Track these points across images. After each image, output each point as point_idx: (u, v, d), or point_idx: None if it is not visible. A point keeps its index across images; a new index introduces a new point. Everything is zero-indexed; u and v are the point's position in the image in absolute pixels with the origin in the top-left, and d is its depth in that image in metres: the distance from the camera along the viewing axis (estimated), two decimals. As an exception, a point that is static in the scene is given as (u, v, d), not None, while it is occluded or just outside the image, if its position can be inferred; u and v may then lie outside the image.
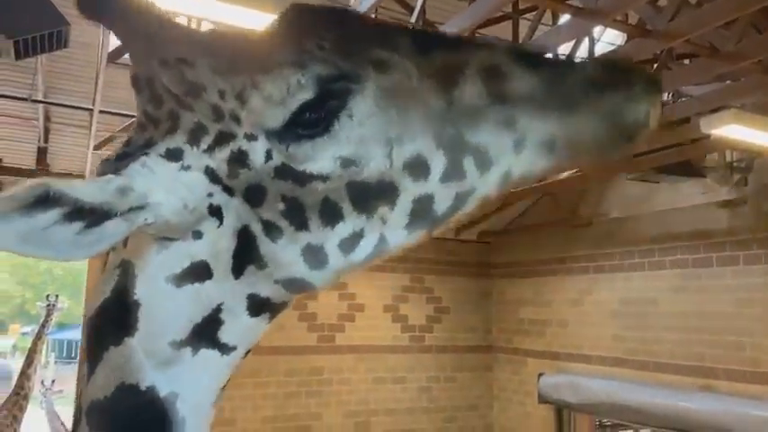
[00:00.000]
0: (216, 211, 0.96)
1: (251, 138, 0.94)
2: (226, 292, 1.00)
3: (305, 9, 0.99)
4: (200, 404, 1.03)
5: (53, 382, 11.36)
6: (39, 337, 10.26)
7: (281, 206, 0.94)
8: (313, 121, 0.92)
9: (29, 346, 10.22)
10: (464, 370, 13.01)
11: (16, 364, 23.18)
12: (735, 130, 6.01)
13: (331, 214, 0.94)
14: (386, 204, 0.95)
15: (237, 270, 0.99)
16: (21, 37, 5.14)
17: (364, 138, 0.93)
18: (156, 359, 0.99)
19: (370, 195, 0.94)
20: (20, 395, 9.15)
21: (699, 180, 9.00)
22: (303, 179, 0.93)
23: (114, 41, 6.65)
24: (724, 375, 8.64)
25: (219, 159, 0.95)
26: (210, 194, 0.95)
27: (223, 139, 0.95)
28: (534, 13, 6.74)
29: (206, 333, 1.01)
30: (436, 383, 12.77)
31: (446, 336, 12.91)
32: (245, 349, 1.07)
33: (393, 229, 0.97)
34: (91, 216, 0.82)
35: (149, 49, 0.99)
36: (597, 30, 7.18)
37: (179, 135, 0.96)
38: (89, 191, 0.83)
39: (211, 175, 0.95)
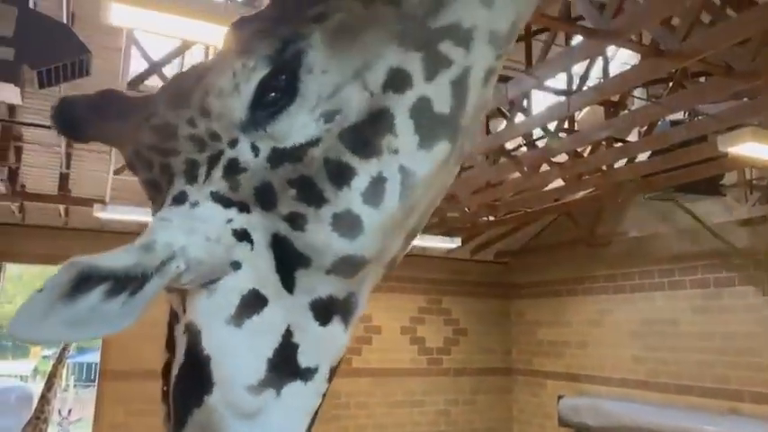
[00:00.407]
0: (243, 235, 0.92)
1: (232, 143, 0.91)
2: (287, 311, 0.93)
3: (242, 18, 1.00)
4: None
5: (70, 411, 11.40)
6: (59, 360, 10.33)
7: (293, 192, 0.89)
8: (278, 95, 0.89)
9: (49, 369, 10.30)
10: (483, 392, 12.86)
11: (37, 387, 23.34)
12: (753, 148, 5.94)
13: (339, 173, 0.87)
14: (387, 134, 0.88)
15: (288, 283, 0.92)
16: (44, 67, 5.27)
17: (334, 83, 0.88)
18: (239, 410, 0.92)
19: (368, 134, 0.88)
20: (39, 419, 9.22)
21: (718, 198, 8.90)
22: (297, 154, 0.89)
23: (134, 69, 6.80)
24: (749, 398, 8.44)
25: (217, 180, 0.92)
26: (230, 220, 0.92)
27: (214, 161, 0.93)
28: (547, 34, 6.77)
29: (283, 364, 0.93)
30: (455, 406, 12.63)
31: (464, 358, 12.80)
32: (329, 366, 0.99)
33: (409, 155, 0.88)
34: (131, 284, 0.82)
35: (125, 128, 1.01)
36: (611, 49, 7.19)
37: (178, 180, 0.95)
38: (118, 258, 0.82)
39: (219, 199, 0.92)
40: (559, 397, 11.38)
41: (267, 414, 0.93)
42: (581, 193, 9.48)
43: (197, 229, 0.90)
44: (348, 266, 0.92)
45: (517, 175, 8.39)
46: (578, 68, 7.47)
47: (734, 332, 8.80)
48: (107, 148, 8.70)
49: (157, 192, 0.98)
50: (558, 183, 8.85)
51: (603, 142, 7.86)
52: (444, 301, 12.83)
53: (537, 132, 8.04)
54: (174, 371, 0.96)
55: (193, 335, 0.95)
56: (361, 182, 0.87)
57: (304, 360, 0.95)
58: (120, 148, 1.05)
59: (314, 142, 0.88)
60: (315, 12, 0.91)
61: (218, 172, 0.92)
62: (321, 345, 0.96)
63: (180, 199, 0.94)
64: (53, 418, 9.93)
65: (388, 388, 12.05)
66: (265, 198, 0.90)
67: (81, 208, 9.40)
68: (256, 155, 0.90)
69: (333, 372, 1.01)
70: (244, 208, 0.91)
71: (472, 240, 12.27)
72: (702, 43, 4.91)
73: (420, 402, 12.30)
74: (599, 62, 7.56)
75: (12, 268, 11.05)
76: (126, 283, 0.81)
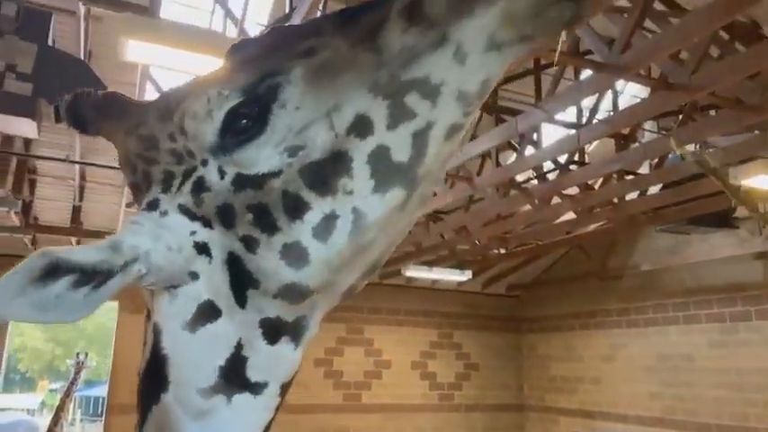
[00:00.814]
0: (203, 248, 0.97)
1: (204, 163, 0.96)
2: (239, 325, 0.98)
3: (242, 41, 1.03)
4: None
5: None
6: (67, 394, 10.26)
7: (250, 216, 0.93)
8: (248, 123, 0.92)
9: (57, 403, 10.23)
10: (495, 429, 12.60)
11: (44, 420, 23.15)
12: (765, 181, 5.91)
13: (295, 207, 0.92)
14: (344, 175, 0.91)
15: (240, 300, 0.97)
16: (61, 101, 5.35)
17: (304, 119, 0.92)
18: (191, 411, 0.98)
19: (327, 173, 0.91)
20: (46, 453, 9.13)
21: (731, 231, 8.81)
22: (258, 182, 0.93)
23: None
24: (769, 436, 8.21)
25: (186, 193, 0.97)
26: (193, 232, 0.96)
27: (187, 175, 0.98)
28: (556, 68, 6.83)
29: (233, 375, 0.99)
30: (466, 443, 12.38)
31: (476, 393, 12.59)
32: (279, 384, 1.02)
33: (363, 198, 0.92)
34: (96, 278, 0.87)
35: (119, 130, 1.06)
36: (620, 83, 7.24)
37: (154, 188, 1.00)
38: (86, 254, 0.86)
39: (186, 212, 0.97)
40: (573, 434, 11.14)
41: (218, 419, 0.98)
42: (592, 226, 9.43)
43: (162, 236, 0.96)
44: (293, 293, 0.96)
45: (528, 207, 8.37)
46: (588, 102, 7.52)
47: (751, 367, 8.61)
48: (119, 182, 8.79)
49: (139, 195, 1.04)
50: (570, 215, 8.82)
51: (614, 175, 7.84)
52: (456, 335, 12.69)
53: (547, 165, 8.05)
54: (141, 367, 1.03)
55: (156, 334, 1.01)
56: (313, 217, 0.91)
57: (253, 374, 0.99)
58: (116, 147, 1.10)
59: (275, 173, 0.92)
60: (305, 46, 0.94)
61: (187, 186, 0.97)
62: (270, 362, 1.00)
63: (153, 205, 0.99)
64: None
65: (398, 424, 11.85)
66: (225, 218, 0.95)
67: (93, 240, 9.45)
68: (222, 177, 0.94)
69: (285, 388, 1.03)
70: (207, 223, 0.96)
71: (483, 273, 12.19)
72: (711, 77, 4.93)
73: (431, 439, 12.07)
74: (608, 95, 7.60)
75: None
76: (92, 277, 0.87)
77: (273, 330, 0.99)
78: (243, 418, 0.99)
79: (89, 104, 1.11)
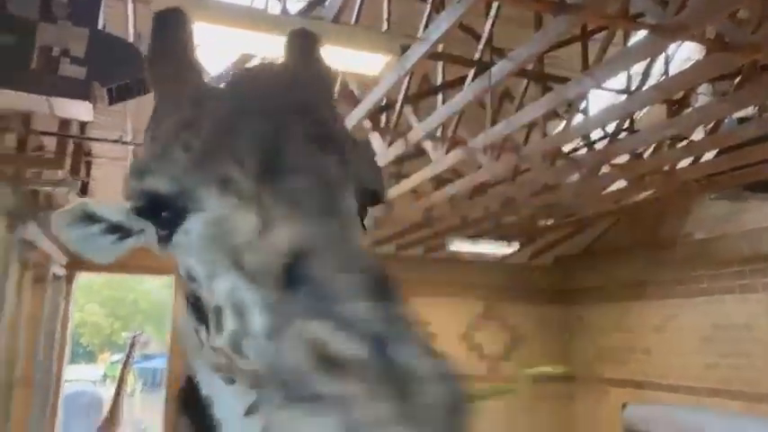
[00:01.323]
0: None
1: None
2: None
3: (241, 77, 1.01)
4: (229, 416, 1.05)
5: (140, 416, 11.82)
6: (125, 366, 10.71)
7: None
8: (162, 221, 0.94)
9: (118, 374, 10.71)
10: (543, 400, 12.60)
11: (106, 391, 24.24)
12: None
13: (197, 311, 0.93)
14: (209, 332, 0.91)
15: None
16: (113, 84, 5.51)
17: (198, 260, 0.89)
18: (192, 358, 1.08)
19: (205, 316, 0.90)
20: (110, 421, 9.63)
21: (791, 197, 8.45)
22: (181, 268, 0.96)
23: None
24: (832, 407, 7.96)
25: None
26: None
27: None
28: (604, 33, 6.62)
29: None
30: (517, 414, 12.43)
31: (524, 364, 12.58)
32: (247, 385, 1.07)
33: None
34: (119, 231, 1.04)
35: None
36: (671, 47, 6.97)
37: None
38: (111, 212, 1.04)
39: None
40: (623, 405, 11.03)
41: (203, 370, 1.06)
42: (643, 195, 9.19)
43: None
44: None
45: (576, 177, 8.21)
46: (638, 67, 7.27)
47: (813, 338, 8.33)
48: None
49: None
50: (619, 184, 8.62)
51: (666, 142, 7.61)
52: (502, 307, 12.67)
53: (595, 134, 7.86)
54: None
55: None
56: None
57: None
58: None
59: (182, 278, 0.95)
60: (226, 173, 0.89)
61: None
62: (213, 383, 1.05)
63: None
64: (124, 419, 10.31)
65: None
66: None
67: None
68: None
69: None
70: None
71: (530, 245, 12.08)
72: (773, 35, 4.70)
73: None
74: (660, 60, 7.33)
75: (81, 277, 11.53)
76: (115, 229, 1.04)
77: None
78: (226, 391, 1.02)
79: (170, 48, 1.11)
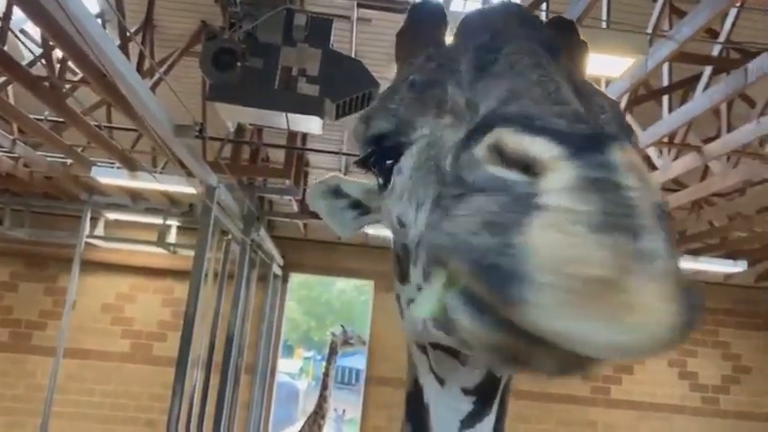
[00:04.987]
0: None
1: None
2: None
3: (470, 15, 0.90)
4: (445, 430, 1.01)
5: (344, 411, 12.50)
6: (329, 362, 11.42)
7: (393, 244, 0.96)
8: (383, 170, 0.89)
9: (323, 370, 11.46)
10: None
11: (302, 384, 26.10)
12: None
13: (400, 269, 0.88)
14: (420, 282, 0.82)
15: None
16: (342, 99, 5.91)
17: (409, 196, 0.82)
18: (414, 357, 1.04)
19: (408, 268, 0.84)
20: (318, 414, 10.29)
21: None
22: (392, 225, 0.91)
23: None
24: None
25: None
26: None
27: None
28: None
29: (425, 349, 1.00)
30: (735, 455, 11.05)
31: (747, 400, 11.14)
32: (459, 388, 0.99)
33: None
34: (360, 208, 1.11)
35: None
36: None
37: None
38: (354, 188, 1.11)
39: None
40: None
41: (425, 379, 1.01)
42: None
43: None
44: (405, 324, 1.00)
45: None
46: None
47: None
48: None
49: None
50: None
51: None
52: (722, 332, 11.34)
53: None
54: None
55: None
56: (409, 292, 0.87)
57: (434, 365, 1.00)
58: None
59: (394, 230, 0.90)
60: (446, 95, 0.81)
61: None
62: (439, 363, 0.99)
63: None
64: (329, 414, 11.00)
65: (652, 423, 11.02)
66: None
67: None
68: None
69: (476, 394, 1.00)
70: None
71: (760, 264, 10.67)
72: None
73: (691, 445, 11.01)
74: None
75: (294, 278, 12.57)
76: (356, 205, 1.11)
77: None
78: (439, 397, 1.00)
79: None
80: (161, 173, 7.88)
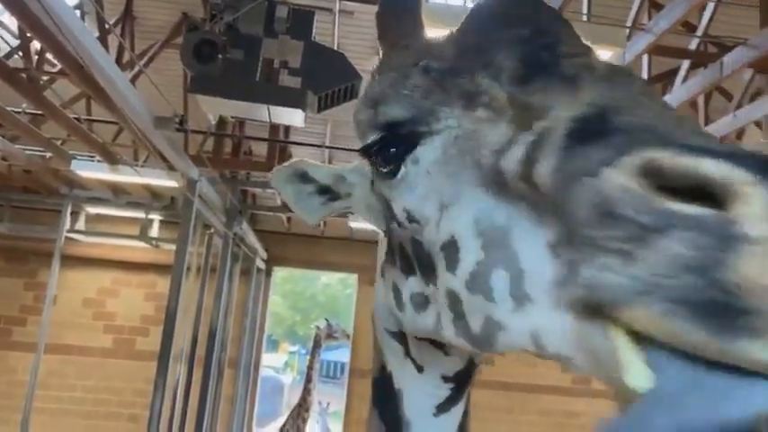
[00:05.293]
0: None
1: None
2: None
3: (481, 5, 0.87)
4: (420, 415, 1.03)
5: (329, 403, 12.57)
6: (313, 356, 11.44)
7: (387, 233, 0.94)
8: (389, 158, 0.82)
9: (307, 363, 11.47)
10: None
11: (287, 378, 26.08)
12: None
13: (404, 263, 0.87)
14: (431, 282, 0.79)
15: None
16: (324, 92, 5.90)
17: (427, 192, 0.78)
18: (386, 344, 1.06)
19: (424, 263, 0.80)
20: (302, 407, 10.32)
21: None
22: (390, 215, 0.87)
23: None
24: None
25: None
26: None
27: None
28: None
29: (404, 338, 1.02)
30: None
31: None
32: (439, 375, 1.02)
33: (445, 317, 0.78)
34: (330, 194, 1.07)
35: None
36: None
37: None
38: (322, 174, 1.07)
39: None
40: None
41: (400, 364, 1.04)
42: None
43: (365, 189, 1.02)
44: (394, 317, 0.98)
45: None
46: None
47: None
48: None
49: None
50: None
51: None
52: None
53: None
54: None
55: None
56: (415, 285, 0.87)
57: (412, 351, 1.03)
58: None
59: (398, 222, 0.85)
60: (476, 85, 0.76)
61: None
62: (420, 349, 1.01)
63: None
64: (314, 407, 11.02)
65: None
66: (387, 213, 0.94)
67: (337, 218, 10.35)
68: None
69: (454, 381, 1.03)
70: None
71: None
72: None
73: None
74: None
75: (278, 272, 12.55)
76: (324, 191, 1.08)
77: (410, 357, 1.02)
78: (414, 382, 1.03)
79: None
80: (142, 166, 7.81)
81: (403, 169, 0.81)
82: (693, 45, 5.99)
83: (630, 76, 0.71)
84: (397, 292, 0.90)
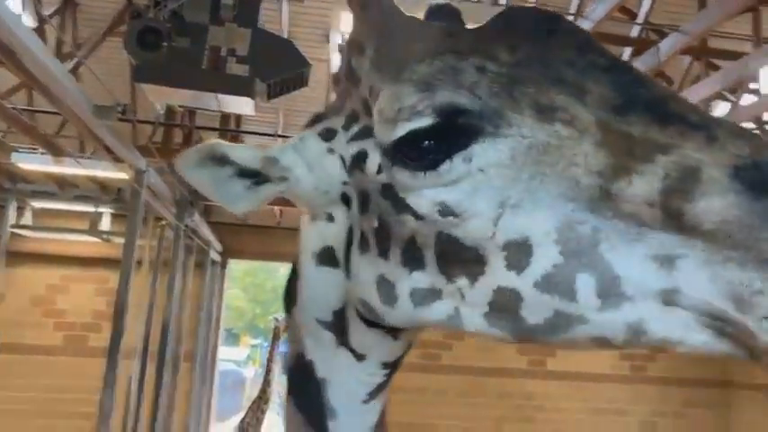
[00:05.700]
0: (347, 201, 0.95)
1: (377, 144, 0.88)
2: (343, 289, 0.99)
3: (513, 14, 0.89)
4: (348, 403, 1.03)
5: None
6: (272, 349, 11.38)
7: (375, 223, 0.88)
8: (424, 150, 0.80)
9: (266, 356, 11.41)
10: (696, 406, 11.71)
11: (248, 372, 25.86)
12: None
13: (411, 257, 0.84)
14: (466, 277, 0.80)
15: (347, 265, 0.96)
16: (272, 80, 5.84)
17: (477, 190, 0.78)
18: (310, 334, 1.03)
19: (456, 258, 0.80)
20: (262, 399, 10.28)
21: None
22: (400, 207, 0.84)
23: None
24: None
25: (349, 152, 0.94)
26: (346, 183, 0.95)
27: (363, 134, 0.92)
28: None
29: (341, 327, 1.01)
30: (662, 418, 11.68)
31: (673, 366, 11.77)
32: (379, 362, 1.03)
33: (470, 311, 0.81)
34: (255, 177, 0.97)
35: (353, 26, 1.02)
36: None
37: (340, 117, 0.98)
38: (245, 157, 0.97)
39: (345, 165, 0.95)
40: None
41: (329, 353, 1.02)
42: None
43: (315, 172, 0.97)
44: (371, 313, 0.95)
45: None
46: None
47: None
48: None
49: (338, 99, 1.03)
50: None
51: None
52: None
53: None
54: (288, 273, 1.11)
55: (299, 249, 1.05)
56: (421, 280, 0.86)
57: (353, 341, 1.01)
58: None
59: (416, 215, 0.82)
60: (552, 101, 0.78)
61: (354, 147, 0.93)
62: (366, 341, 1.00)
63: (327, 135, 0.98)
64: (274, 399, 10.98)
65: (585, 393, 11.51)
66: (362, 203, 0.92)
67: (294, 209, 10.29)
68: (378, 173, 0.89)
69: (388, 366, 1.04)
70: (354, 185, 0.94)
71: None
72: None
73: (622, 411, 11.56)
74: None
75: (238, 265, 12.41)
76: (249, 174, 0.97)
77: (365, 317, 0.97)
78: (349, 371, 1.02)
79: None
80: (89, 158, 7.61)
81: (448, 164, 0.79)
82: (635, 33, 6.14)
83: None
84: (385, 285, 0.87)
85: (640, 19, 5.84)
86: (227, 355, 29.19)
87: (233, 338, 36.02)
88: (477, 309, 0.80)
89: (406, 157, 0.81)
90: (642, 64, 5.12)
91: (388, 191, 0.85)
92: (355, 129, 0.94)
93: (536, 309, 0.75)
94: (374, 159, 0.88)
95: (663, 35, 5.95)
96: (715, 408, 11.75)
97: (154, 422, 7.43)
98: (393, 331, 0.99)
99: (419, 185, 0.81)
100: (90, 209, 9.69)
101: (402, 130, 0.80)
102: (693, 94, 5.91)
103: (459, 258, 0.80)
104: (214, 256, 11.03)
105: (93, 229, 9.68)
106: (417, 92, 0.80)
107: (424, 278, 0.84)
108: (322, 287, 1.01)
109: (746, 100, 6.62)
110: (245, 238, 11.61)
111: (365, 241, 0.90)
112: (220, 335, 12.47)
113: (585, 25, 4.38)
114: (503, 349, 11.19)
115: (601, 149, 0.73)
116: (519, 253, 0.75)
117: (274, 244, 11.72)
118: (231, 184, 0.98)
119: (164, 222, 7.97)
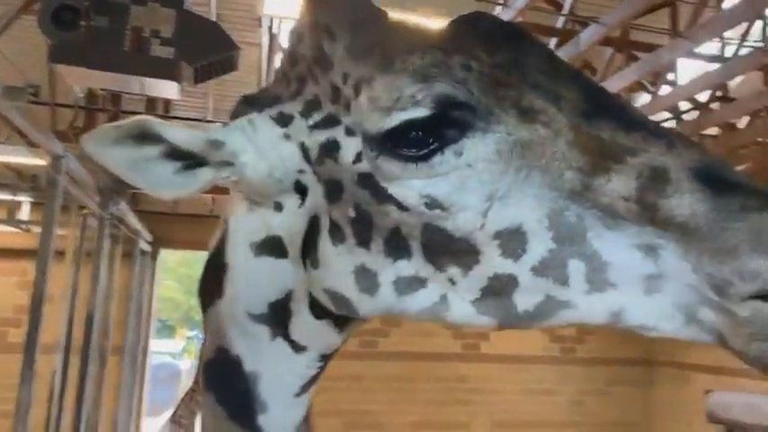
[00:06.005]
0: (302, 190, 0.93)
1: (349, 132, 0.87)
2: (296, 278, 0.96)
3: (481, 19, 0.91)
4: (281, 396, 1.02)
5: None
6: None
7: (352, 213, 0.87)
8: (415, 141, 0.81)
9: (199, 348, 11.21)
10: (619, 384, 12.28)
11: (184, 364, 25.32)
12: None
13: (395, 246, 0.84)
14: (458, 266, 0.82)
15: (304, 256, 0.94)
16: (199, 63, 5.67)
17: (465, 184, 0.80)
18: (237, 327, 1.00)
19: (445, 248, 0.82)
20: (195, 391, 10.07)
21: None
22: (382, 197, 0.84)
23: (277, 63, 7.13)
24: None
25: (315, 141, 0.91)
26: (302, 171, 0.92)
27: (329, 122, 0.90)
28: (696, -3, 6.25)
29: (279, 319, 0.99)
30: (589, 397, 12.18)
31: (599, 347, 12.28)
32: (319, 354, 1.02)
33: (459, 298, 0.83)
34: (188, 160, 0.90)
35: (314, 8, 0.98)
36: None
37: (297, 102, 0.94)
38: (183, 138, 0.89)
39: (305, 153, 0.92)
40: (707, 392, 10.59)
41: (261, 347, 0.99)
42: (738, 169, 8.72)
43: (269, 158, 0.92)
44: (340, 304, 0.94)
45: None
46: (732, 33, 6.84)
47: None
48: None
49: (285, 83, 0.98)
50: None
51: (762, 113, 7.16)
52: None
53: (684, 105, 7.49)
54: (205, 261, 1.07)
55: (224, 233, 1.01)
56: (406, 269, 0.87)
57: (295, 333, 0.99)
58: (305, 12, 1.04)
59: (401, 206, 0.83)
60: (531, 103, 0.83)
61: (321, 135, 0.91)
62: (311, 332, 0.99)
63: (284, 121, 0.94)
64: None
65: (518, 375, 11.86)
66: (332, 192, 0.89)
67: (226, 196, 10.07)
68: (354, 162, 0.87)
69: (326, 358, 1.03)
70: (316, 175, 0.92)
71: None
72: None
73: (551, 391, 11.99)
74: (758, 24, 6.88)
75: (170, 255, 12.07)
76: (182, 156, 0.90)
77: (318, 308, 0.97)
78: (284, 362, 1.00)
79: None
80: (2, 143, 7.19)
81: (439, 156, 0.81)
82: (560, 23, 6.29)
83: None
84: (365, 274, 0.86)
85: (565, 10, 5.99)
86: (163, 348, 28.47)
87: (168, 330, 35.12)
88: (468, 295, 0.82)
89: (397, 147, 0.82)
90: (564, 53, 5.27)
91: (367, 180, 0.85)
92: (317, 116, 0.91)
93: (529, 294, 0.80)
94: (349, 148, 0.87)
95: (587, 27, 6.13)
96: (638, 385, 12.35)
97: (78, 417, 7.16)
98: (340, 324, 0.99)
99: (407, 176, 0.82)
100: (8, 197, 9.19)
101: (396, 119, 0.81)
102: (614, 84, 6.13)
103: (449, 249, 0.82)
104: (144, 245, 10.68)
105: (10, 219, 9.20)
106: (416, 82, 0.81)
107: (408, 267, 0.84)
108: (260, 278, 0.97)
109: (664, 90, 6.92)
110: (177, 227, 11.28)
111: (338, 231, 0.88)
112: (153, 326, 12.12)
113: (507, 15, 4.46)
114: (438, 335, 11.39)
115: (576, 149, 0.79)
116: (513, 241, 0.79)
117: (207, 233, 11.25)
118: (155, 167, 0.90)
119: (86, 211, 7.63)
